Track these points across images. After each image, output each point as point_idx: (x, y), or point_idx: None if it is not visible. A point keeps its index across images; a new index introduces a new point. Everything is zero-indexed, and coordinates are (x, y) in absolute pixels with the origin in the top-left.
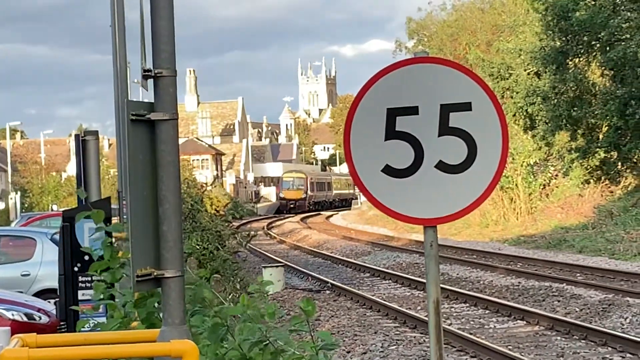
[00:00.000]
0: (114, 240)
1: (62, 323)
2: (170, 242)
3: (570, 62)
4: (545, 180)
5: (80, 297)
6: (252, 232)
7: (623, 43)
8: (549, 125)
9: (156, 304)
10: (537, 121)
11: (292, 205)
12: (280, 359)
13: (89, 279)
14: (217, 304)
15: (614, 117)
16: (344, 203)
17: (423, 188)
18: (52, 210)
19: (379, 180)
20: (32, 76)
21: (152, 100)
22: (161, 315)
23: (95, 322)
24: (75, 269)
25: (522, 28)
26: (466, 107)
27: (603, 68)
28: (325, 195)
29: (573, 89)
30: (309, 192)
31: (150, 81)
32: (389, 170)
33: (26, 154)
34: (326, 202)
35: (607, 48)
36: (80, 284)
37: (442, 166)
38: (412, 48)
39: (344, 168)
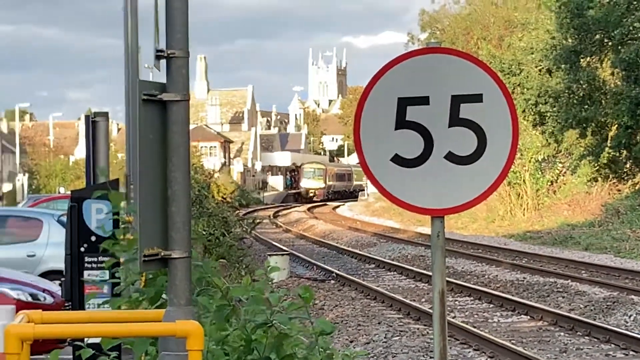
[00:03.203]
0: (121, 223)
1: (67, 304)
2: (179, 223)
3: (582, 61)
4: (553, 176)
5: (85, 278)
6: (258, 220)
7: (636, 42)
8: (559, 122)
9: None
10: (546, 118)
11: (312, 194)
12: (283, 342)
13: (95, 259)
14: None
15: (625, 117)
16: None
17: (432, 178)
18: (59, 192)
19: (388, 170)
20: (43, 58)
21: (164, 82)
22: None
23: (103, 301)
24: (82, 249)
25: (535, 25)
26: (477, 98)
27: (615, 67)
28: (345, 186)
29: (584, 87)
30: (327, 181)
31: (163, 62)
32: (398, 160)
33: (35, 136)
34: (346, 191)
35: (620, 47)
36: (86, 265)
37: (451, 157)
38: (425, 41)
39: (352, 159)
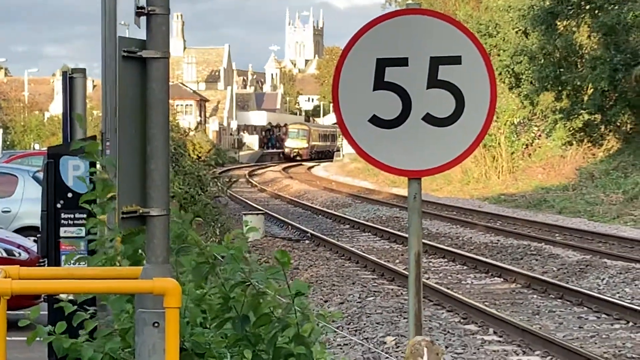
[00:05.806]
0: (97, 178)
1: (42, 260)
2: (157, 181)
3: (559, 23)
4: (528, 139)
5: (62, 234)
6: (233, 179)
7: (616, 7)
8: (535, 84)
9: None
10: (522, 80)
11: (295, 154)
12: (260, 300)
13: (72, 216)
14: (200, 245)
15: (603, 82)
16: None
17: (409, 140)
18: (34, 149)
19: (365, 130)
20: (20, 12)
21: (144, 38)
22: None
23: (79, 257)
24: (58, 205)
25: None
26: (456, 60)
27: (593, 31)
28: (328, 146)
29: (560, 50)
30: (311, 142)
31: (142, 19)
32: (376, 121)
33: (9, 92)
34: (330, 152)
35: (597, 12)
36: (62, 221)
37: (429, 119)
38: (403, 2)
39: (327, 120)
